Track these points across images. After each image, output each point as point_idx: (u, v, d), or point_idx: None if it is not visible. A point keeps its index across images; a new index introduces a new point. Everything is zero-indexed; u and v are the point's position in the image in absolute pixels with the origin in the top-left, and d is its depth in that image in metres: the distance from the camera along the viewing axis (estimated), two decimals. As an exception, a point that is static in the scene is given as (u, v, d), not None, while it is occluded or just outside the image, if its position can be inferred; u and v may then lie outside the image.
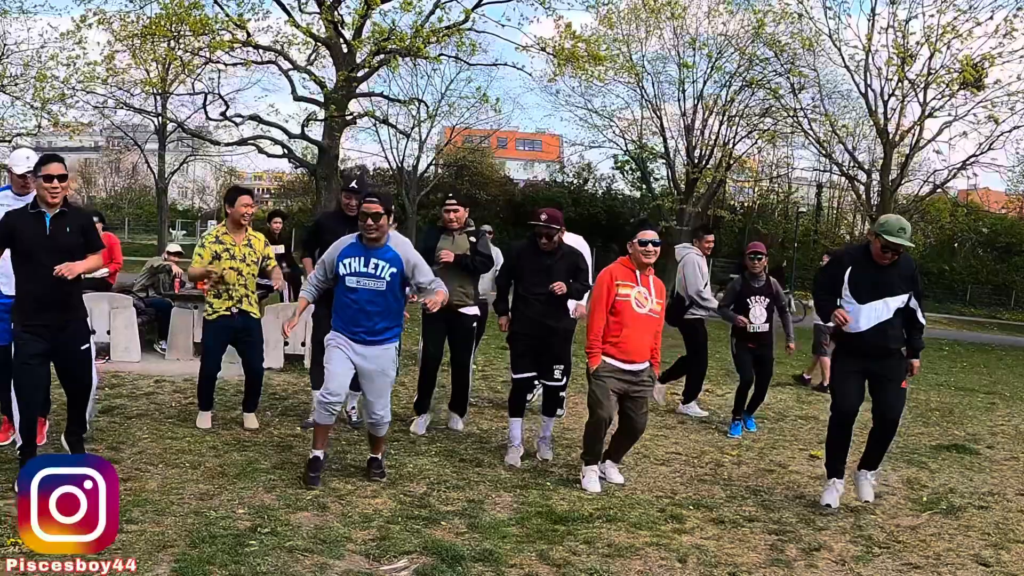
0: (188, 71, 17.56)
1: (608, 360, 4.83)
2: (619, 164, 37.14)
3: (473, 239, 5.80)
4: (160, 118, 24.56)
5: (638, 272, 4.90)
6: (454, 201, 5.84)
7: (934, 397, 9.58)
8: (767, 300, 6.57)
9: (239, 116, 18.11)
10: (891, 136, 19.15)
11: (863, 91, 19.27)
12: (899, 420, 4.87)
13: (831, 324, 4.88)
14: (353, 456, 5.13)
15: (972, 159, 18.97)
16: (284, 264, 9.79)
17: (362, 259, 4.46)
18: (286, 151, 18.40)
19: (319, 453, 4.63)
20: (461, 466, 5.13)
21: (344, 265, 4.48)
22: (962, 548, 4.33)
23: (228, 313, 5.40)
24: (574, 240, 5.91)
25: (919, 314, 4.77)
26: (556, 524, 4.22)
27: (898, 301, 4.64)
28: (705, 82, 26.10)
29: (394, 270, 4.45)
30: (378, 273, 4.44)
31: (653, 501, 4.76)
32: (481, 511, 4.34)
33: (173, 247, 9.14)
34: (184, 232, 35.17)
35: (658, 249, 4.90)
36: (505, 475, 5.03)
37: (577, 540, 4.02)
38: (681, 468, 5.53)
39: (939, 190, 20.31)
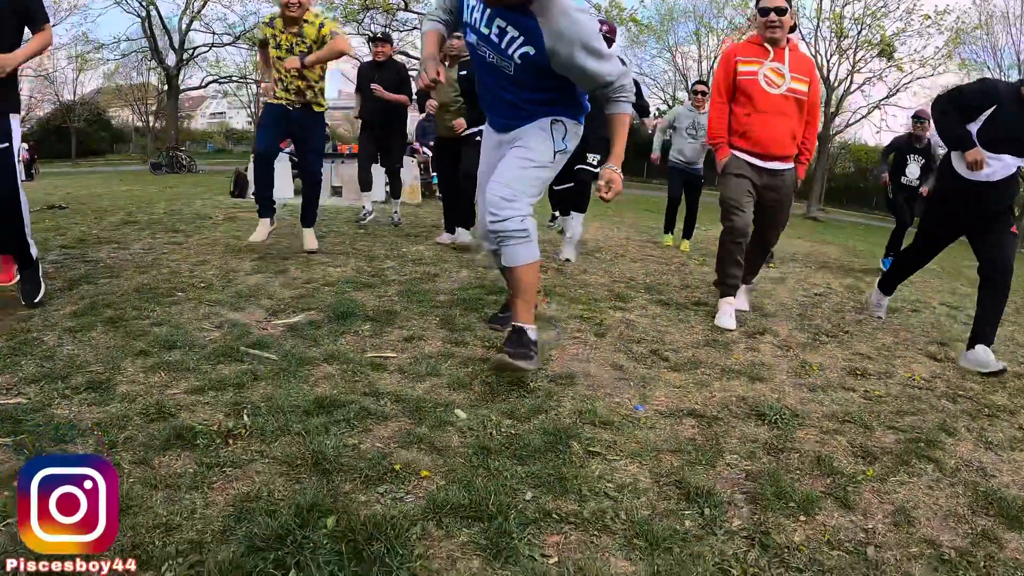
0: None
1: (738, 154, 3.92)
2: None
3: (464, 72, 5.33)
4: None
5: (770, 47, 3.90)
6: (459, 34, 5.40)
7: None
8: (923, 160, 7.17)
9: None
10: (832, 83, 24.75)
11: (812, 54, 24.06)
12: (1011, 276, 3.73)
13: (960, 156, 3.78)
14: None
15: (884, 100, 25.84)
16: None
17: (485, 16, 2.68)
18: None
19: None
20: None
21: (467, 9, 2.77)
22: (909, 342, 4.09)
23: (287, 104, 4.78)
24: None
25: None
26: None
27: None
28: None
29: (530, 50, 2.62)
30: (504, 46, 2.66)
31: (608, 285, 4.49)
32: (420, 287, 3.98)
33: None
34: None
35: (784, 20, 3.82)
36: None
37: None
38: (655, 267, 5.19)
39: (863, 119, 27.03)
